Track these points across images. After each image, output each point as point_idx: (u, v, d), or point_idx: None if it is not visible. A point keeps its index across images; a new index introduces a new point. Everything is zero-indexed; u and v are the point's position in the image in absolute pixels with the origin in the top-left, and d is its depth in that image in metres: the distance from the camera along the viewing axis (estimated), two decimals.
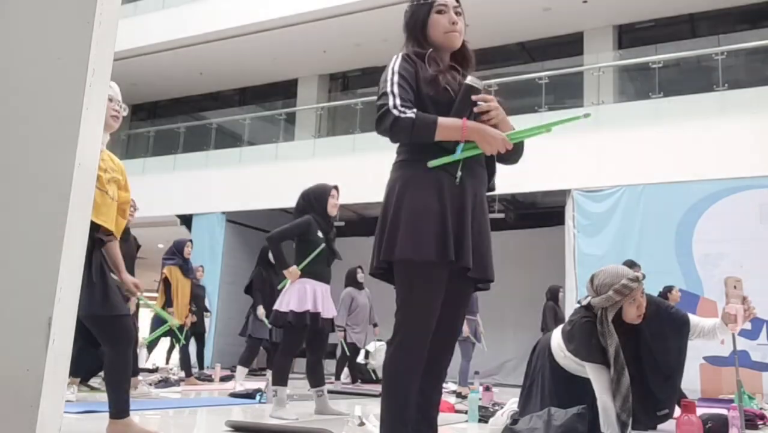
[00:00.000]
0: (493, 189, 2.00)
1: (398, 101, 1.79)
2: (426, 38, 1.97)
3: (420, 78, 1.87)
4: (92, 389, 5.17)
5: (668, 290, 6.45)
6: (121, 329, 2.60)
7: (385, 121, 1.78)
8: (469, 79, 1.88)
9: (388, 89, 1.82)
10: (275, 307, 4.10)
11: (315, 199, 4.19)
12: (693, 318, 3.07)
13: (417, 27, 1.98)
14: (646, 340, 2.95)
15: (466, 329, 6.52)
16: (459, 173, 1.83)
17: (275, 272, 6.62)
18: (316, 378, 4.25)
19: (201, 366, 8.17)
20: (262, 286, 6.65)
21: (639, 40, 10.79)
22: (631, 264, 5.28)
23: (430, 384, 1.91)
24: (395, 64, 1.89)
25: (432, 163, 1.82)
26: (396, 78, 1.84)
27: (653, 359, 2.92)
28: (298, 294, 4.01)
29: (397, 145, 1.94)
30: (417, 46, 1.96)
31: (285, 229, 4.14)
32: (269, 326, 6.23)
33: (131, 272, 5.01)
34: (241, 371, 6.30)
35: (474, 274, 1.85)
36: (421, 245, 1.76)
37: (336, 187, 4.27)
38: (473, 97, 1.86)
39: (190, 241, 7.00)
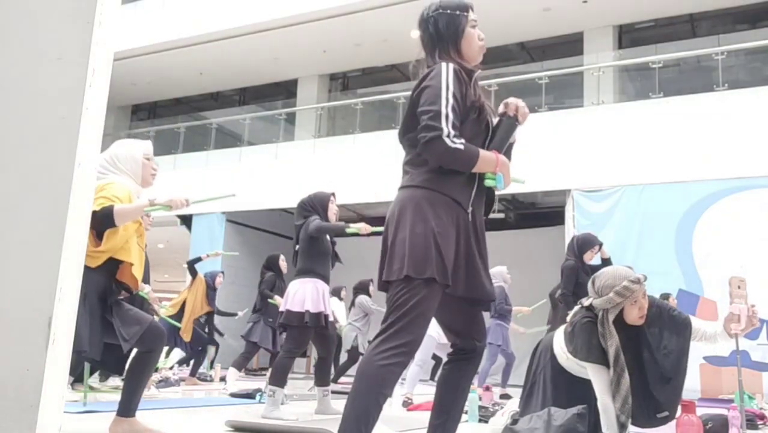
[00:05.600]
0: (486, 216, 2.06)
1: (451, 129, 1.79)
2: (458, 50, 1.97)
3: (466, 98, 1.88)
4: (92, 388, 5.17)
5: (665, 297, 6.45)
6: (153, 334, 2.71)
7: (435, 148, 1.79)
8: (512, 117, 1.96)
9: (443, 110, 1.80)
10: (287, 307, 4.06)
11: (318, 204, 4.24)
12: (695, 321, 3.06)
13: (453, 38, 1.97)
14: (647, 342, 2.95)
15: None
16: (470, 208, 1.90)
17: (283, 280, 6.67)
18: (323, 378, 4.31)
19: (211, 366, 8.20)
20: (267, 294, 6.62)
21: (639, 40, 10.79)
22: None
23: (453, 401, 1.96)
24: (449, 78, 1.85)
25: (488, 183, 1.89)
26: (451, 98, 1.82)
27: (654, 360, 2.92)
28: (312, 295, 4.03)
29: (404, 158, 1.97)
30: (458, 59, 1.95)
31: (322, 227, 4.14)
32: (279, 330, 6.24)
33: (146, 278, 5.03)
34: (232, 373, 6.25)
35: (483, 299, 1.94)
36: (443, 268, 1.79)
37: (333, 194, 4.35)
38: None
39: (222, 273, 7.05)
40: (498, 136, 1.95)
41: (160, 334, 2.77)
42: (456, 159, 1.80)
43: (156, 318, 6.22)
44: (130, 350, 2.75)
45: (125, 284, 2.73)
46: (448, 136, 1.78)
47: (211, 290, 6.93)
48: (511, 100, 1.98)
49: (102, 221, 2.51)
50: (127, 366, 2.77)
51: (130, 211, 2.60)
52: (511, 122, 1.96)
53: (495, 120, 2.02)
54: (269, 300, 6.45)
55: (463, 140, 1.81)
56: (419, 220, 1.82)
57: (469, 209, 1.90)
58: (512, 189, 9.37)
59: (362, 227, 3.95)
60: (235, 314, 8.36)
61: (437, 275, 1.78)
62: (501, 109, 1.99)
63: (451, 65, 1.88)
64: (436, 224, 1.81)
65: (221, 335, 8.61)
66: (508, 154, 2.01)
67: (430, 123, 1.79)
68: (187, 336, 6.79)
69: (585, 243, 4.90)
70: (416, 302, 1.77)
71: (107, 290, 2.67)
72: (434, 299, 1.81)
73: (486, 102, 1.95)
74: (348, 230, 4.00)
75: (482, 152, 1.85)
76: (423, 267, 1.77)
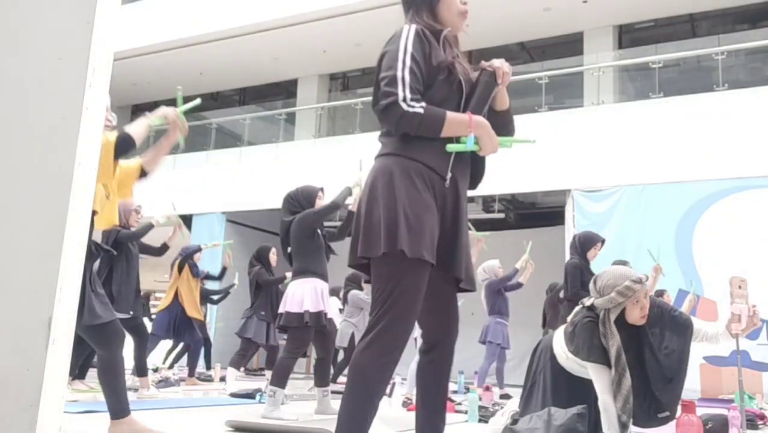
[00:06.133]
0: (474, 188, 1.92)
1: (408, 93, 1.68)
2: (434, 15, 1.86)
3: (432, 59, 1.75)
4: (92, 388, 5.17)
5: (659, 294, 6.44)
6: (111, 333, 2.68)
7: (391, 114, 1.69)
8: (488, 74, 1.82)
9: (399, 74, 1.69)
10: (286, 309, 4.03)
11: (305, 199, 4.20)
12: (696, 322, 3.06)
13: (428, 0, 1.85)
14: (648, 342, 2.95)
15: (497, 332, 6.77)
16: (449, 174, 1.76)
17: (271, 273, 6.65)
18: (323, 378, 4.30)
19: (208, 366, 8.19)
20: (266, 286, 6.59)
21: (639, 40, 10.79)
22: (622, 264, 5.26)
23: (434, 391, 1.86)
24: (408, 40, 1.74)
25: (450, 147, 1.73)
26: (408, 61, 1.71)
27: (656, 360, 2.92)
28: (312, 296, 4.00)
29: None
30: (430, 19, 1.83)
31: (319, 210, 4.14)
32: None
33: (136, 276, 5.03)
34: (231, 373, 6.24)
35: (465, 284, 1.81)
36: (421, 242, 1.66)
37: (322, 189, 4.30)
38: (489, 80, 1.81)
39: (200, 247, 7.07)
40: (474, 96, 1.81)
41: (119, 333, 2.75)
42: (416, 124, 1.68)
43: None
44: (90, 358, 2.75)
45: (100, 246, 2.73)
46: (404, 100, 1.67)
47: (193, 267, 6.88)
48: (492, 61, 1.85)
49: (122, 146, 2.62)
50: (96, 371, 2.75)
51: (140, 131, 2.75)
52: (487, 80, 1.81)
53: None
54: (284, 281, 6.28)
55: (423, 103, 1.69)
56: (391, 191, 1.70)
57: (448, 176, 1.76)
58: (512, 189, 9.44)
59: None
60: (232, 285, 8.44)
61: (408, 248, 1.64)
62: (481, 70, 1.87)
63: (414, 26, 1.77)
64: (408, 193, 1.69)
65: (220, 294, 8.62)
66: (504, 120, 1.89)
67: (386, 89, 1.69)
68: (198, 314, 6.76)
69: (587, 241, 4.89)
70: (400, 290, 1.67)
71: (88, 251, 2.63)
72: (419, 281, 1.69)
73: (459, 62, 1.82)
74: (351, 189, 4.10)
75: (450, 114, 1.72)
76: (395, 241, 1.65)
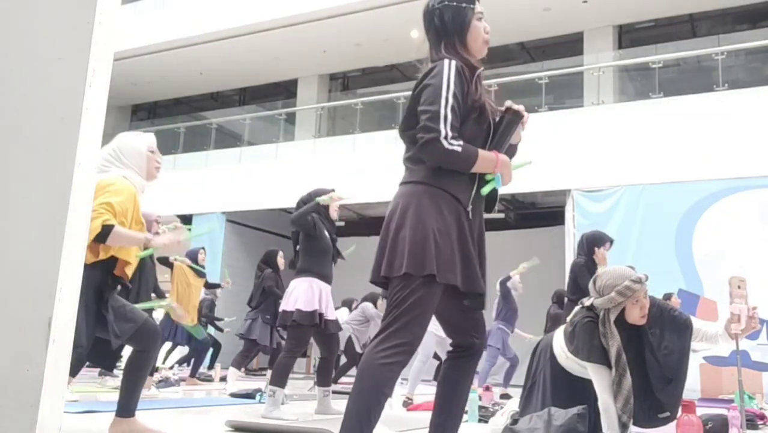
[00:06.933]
0: (489, 212, 2.04)
1: (449, 131, 1.77)
2: (464, 46, 1.93)
3: (468, 96, 1.85)
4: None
5: (668, 297, 6.43)
6: (147, 334, 2.69)
7: (432, 150, 1.78)
8: (512, 113, 1.92)
9: (442, 111, 1.78)
10: (282, 307, 4.10)
11: (310, 199, 4.23)
12: (696, 322, 3.06)
13: (459, 31, 1.93)
14: (648, 342, 2.95)
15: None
16: (470, 207, 1.88)
17: (280, 277, 6.64)
18: (324, 378, 4.32)
19: (210, 366, 8.19)
20: (277, 288, 6.57)
21: (639, 40, 10.79)
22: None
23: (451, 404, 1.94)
24: (450, 77, 1.82)
25: (485, 191, 1.89)
26: (451, 99, 1.79)
27: (655, 361, 2.92)
28: (305, 294, 4.03)
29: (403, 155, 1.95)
30: (464, 52, 1.92)
31: (303, 210, 4.16)
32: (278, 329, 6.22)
33: (152, 281, 5.03)
34: (233, 373, 6.23)
35: (477, 305, 1.95)
36: (449, 267, 1.79)
37: (334, 191, 4.35)
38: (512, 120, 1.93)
39: (203, 248, 7.03)
40: (498, 134, 1.93)
41: (155, 333, 2.75)
42: (453, 161, 1.79)
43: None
44: (122, 347, 2.75)
45: (121, 279, 2.73)
46: (446, 137, 1.76)
47: (197, 272, 6.84)
48: (510, 102, 1.96)
49: (103, 239, 2.53)
50: (123, 365, 2.76)
51: (126, 238, 2.60)
52: (511, 119, 1.92)
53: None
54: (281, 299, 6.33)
55: (461, 142, 1.79)
56: (420, 217, 1.81)
57: (469, 207, 1.88)
58: (512, 189, 9.42)
59: (334, 195, 4.14)
60: (222, 319, 8.49)
61: (437, 272, 1.76)
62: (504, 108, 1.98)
63: (454, 62, 1.84)
64: (437, 220, 1.80)
65: (221, 330, 8.62)
66: (510, 153, 1.99)
67: (429, 124, 1.78)
68: (193, 319, 6.73)
69: (595, 240, 4.78)
70: (415, 300, 1.76)
71: (103, 284, 2.66)
72: (434, 296, 1.81)
73: (488, 101, 1.92)
74: (320, 200, 4.16)
75: (481, 153, 1.84)
76: (422, 265, 1.76)
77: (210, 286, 7.69)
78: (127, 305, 2.74)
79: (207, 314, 8.11)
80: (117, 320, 2.63)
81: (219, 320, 8.59)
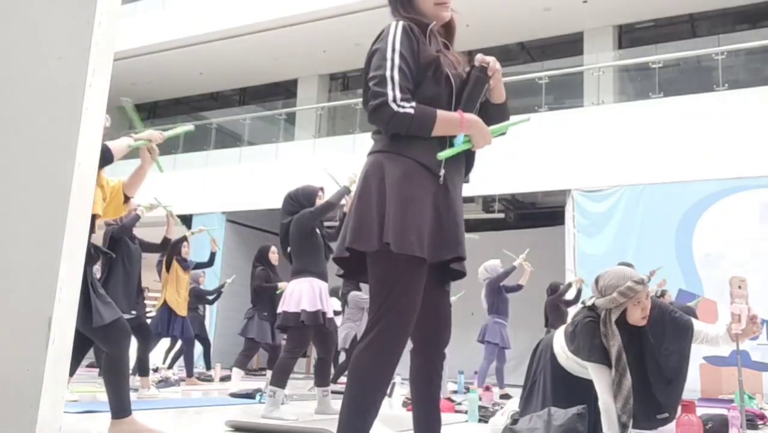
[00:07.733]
0: (467, 182, 1.91)
1: (398, 93, 1.66)
2: (413, 7, 1.82)
3: (420, 56, 1.73)
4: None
5: (661, 295, 6.44)
6: (118, 332, 2.68)
7: (381, 115, 1.67)
8: (478, 69, 1.78)
9: (388, 73, 1.68)
10: (283, 309, 4.03)
11: (304, 198, 4.21)
12: (697, 324, 3.06)
13: None
14: (649, 343, 2.95)
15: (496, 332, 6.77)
16: (442, 171, 1.73)
17: (275, 273, 6.63)
18: (323, 378, 4.30)
19: (208, 366, 8.18)
20: (268, 287, 6.56)
21: (639, 40, 10.79)
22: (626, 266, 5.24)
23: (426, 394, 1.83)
24: (396, 38, 1.72)
25: (442, 155, 1.70)
26: (397, 59, 1.69)
27: (656, 361, 2.92)
28: (309, 295, 3.99)
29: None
30: (413, 13, 1.80)
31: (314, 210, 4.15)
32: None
33: (137, 276, 5.02)
34: (237, 373, 6.23)
35: (457, 267, 1.79)
36: (407, 237, 1.64)
37: (322, 189, 4.31)
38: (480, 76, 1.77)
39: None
40: (466, 93, 1.77)
41: (127, 329, 2.77)
42: (406, 124, 1.66)
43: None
44: (83, 351, 2.75)
45: (100, 249, 2.75)
46: (394, 100, 1.65)
47: (182, 261, 6.83)
48: (479, 56, 1.80)
49: (101, 158, 2.56)
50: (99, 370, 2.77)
51: (119, 150, 2.78)
52: (479, 76, 1.76)
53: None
54: (276, 291, 6.32)
55: (413, 103, 1.67)
56: (381, 186, 1.69)
57: (441, 173, 1.73)
58: (512, 189, 9.43)
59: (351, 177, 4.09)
60: (224, 285, 8.48)
61: (396, 244, 1.63)
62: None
63: (401, 23, 1.75)
64: (399, 190, 1.67)
65: (211, 303, 8.61)
66: (500, 113, 1.86)
67: (376, 89, 1.68)
68: (183, 311, 6.72)
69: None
70: (400, 286, 1.66)
71: (87, 255, 2.63)
72: (417, 275, 1.68)
73: (445, 54, 1.79)
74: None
75: (441, 114, 1.69)
76: (383, 236, 1.64)
77: (199, 266, 7.66)
78: (108, 298, 2.74)
79: (194, 302, 7.99)
80: (102, 303, 2.64)
81: (210, 294, 8.50)
